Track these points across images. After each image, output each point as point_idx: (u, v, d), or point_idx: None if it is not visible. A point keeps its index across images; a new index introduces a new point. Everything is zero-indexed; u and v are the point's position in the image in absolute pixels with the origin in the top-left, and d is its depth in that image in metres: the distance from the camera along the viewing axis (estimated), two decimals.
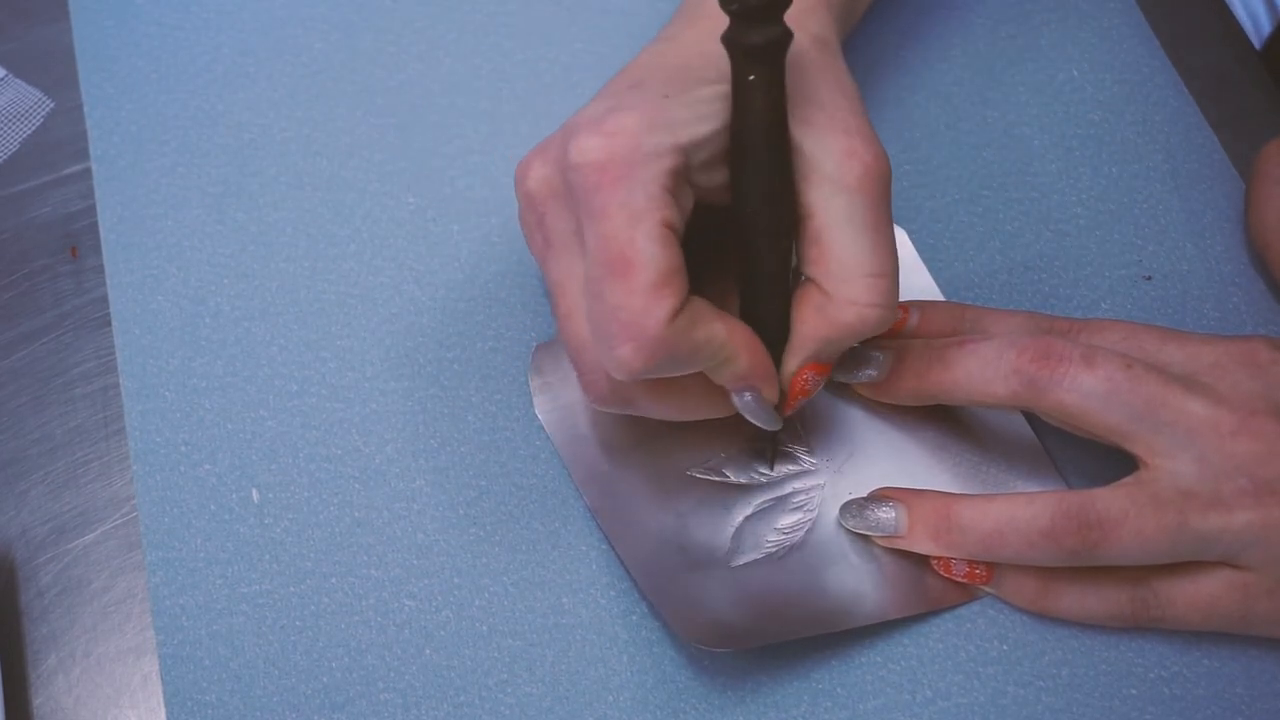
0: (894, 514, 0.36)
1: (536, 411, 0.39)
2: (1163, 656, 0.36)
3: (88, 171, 0.44)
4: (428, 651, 0.36)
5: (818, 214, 0.32)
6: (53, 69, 0.46)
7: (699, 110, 0.32)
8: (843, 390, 0.39)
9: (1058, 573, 0.35)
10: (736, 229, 0.33)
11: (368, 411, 0.39)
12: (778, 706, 0.35)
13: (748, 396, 0.34)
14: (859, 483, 0.38)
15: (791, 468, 0.38)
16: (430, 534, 0.38)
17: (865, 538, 0.37)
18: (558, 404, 0.39)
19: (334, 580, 0.37)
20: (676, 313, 0.31)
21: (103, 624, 0.37)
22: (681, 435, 0.38)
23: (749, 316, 0.34)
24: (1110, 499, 0.33)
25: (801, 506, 0.37)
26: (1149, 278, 0.41)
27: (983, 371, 0.34)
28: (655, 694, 0.35)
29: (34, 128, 0.45)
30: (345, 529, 0.38)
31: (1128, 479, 0.34)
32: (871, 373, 0.37)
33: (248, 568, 0.37)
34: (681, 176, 0.31)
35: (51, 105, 0.45)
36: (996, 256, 0.42)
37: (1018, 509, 0.34)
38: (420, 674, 0.36)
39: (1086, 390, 0.33)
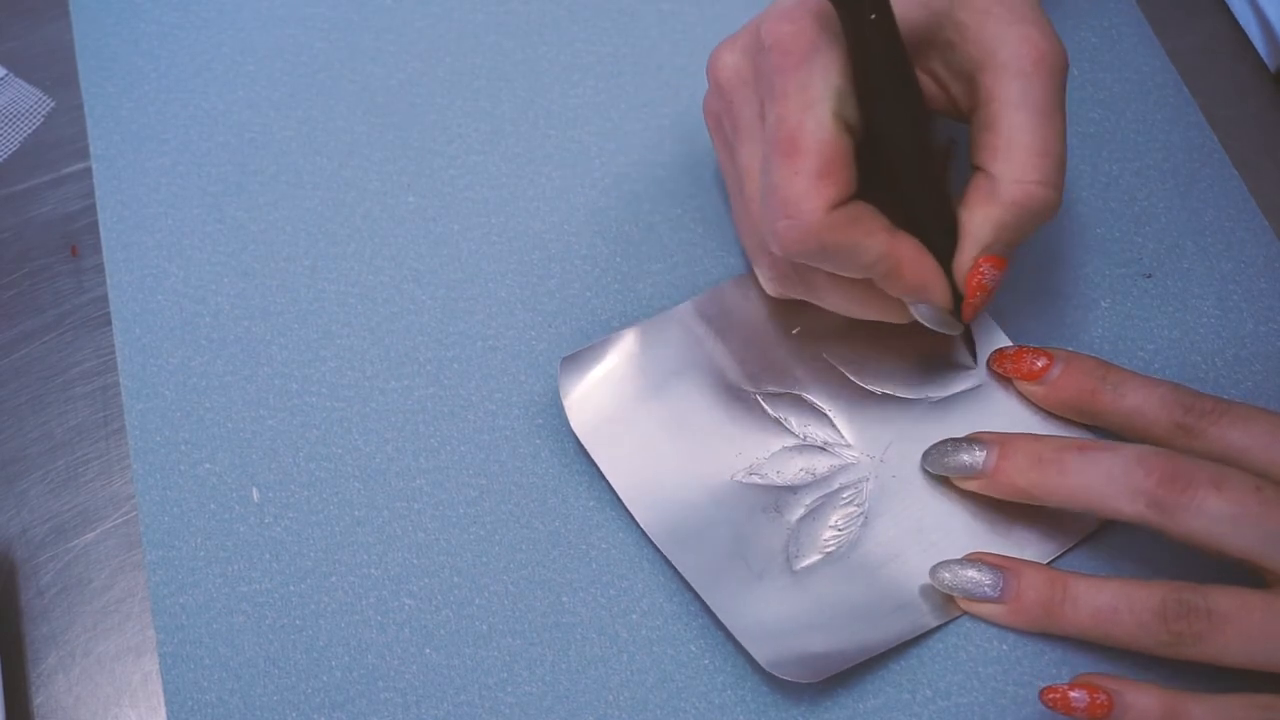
0: (992, 578, 0.35)
1: (574, 429, 0.38)
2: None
3: (88, 171, 0.44)
4: (428, 651, 0.36)
5: (993, 99, 0.33)
6: (53, 68, 0.46)
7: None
8: (877, 381, 0.39)
9: (1184, 694, 0.33)
10: (879, 152, 0.34)
11: (368, 411, 0.39)
12: (776, 706, 0.35)
13: (922, 307, 0.35)
14: (902, 472, 0.37)
15: (834, 462, 0.38)
16: (430, 533, 0.38)
17: (918, 533, 0.36)
18: (596, 419, 0.38)
19: (334, 579, 0.37)
20: (835, 204, 0.32)
21: (103, 623, 0.37)
22: (720, 440, 0.38)
23: (913, 226, 0.34)
24: (1226, 594, 0.32)
25: (851, 501, 0.37)
26: (1149, 275, 0.41)
27: (1106, 486, 0.33)
28: (655, 694, 0.35)
29: (34, 127, 0.45)
30: (345, 528, 0.38)
31: (1254, 588, 0.32)
32: (966, 461, 0.36)
33: (248, 567, 0.37)
34: None
35: (52, 104, 0.45)
36: None
37: (1133, 587, 0.33)
38: (420, 673, 0.36)
39: (1215, 515, 0.32)
